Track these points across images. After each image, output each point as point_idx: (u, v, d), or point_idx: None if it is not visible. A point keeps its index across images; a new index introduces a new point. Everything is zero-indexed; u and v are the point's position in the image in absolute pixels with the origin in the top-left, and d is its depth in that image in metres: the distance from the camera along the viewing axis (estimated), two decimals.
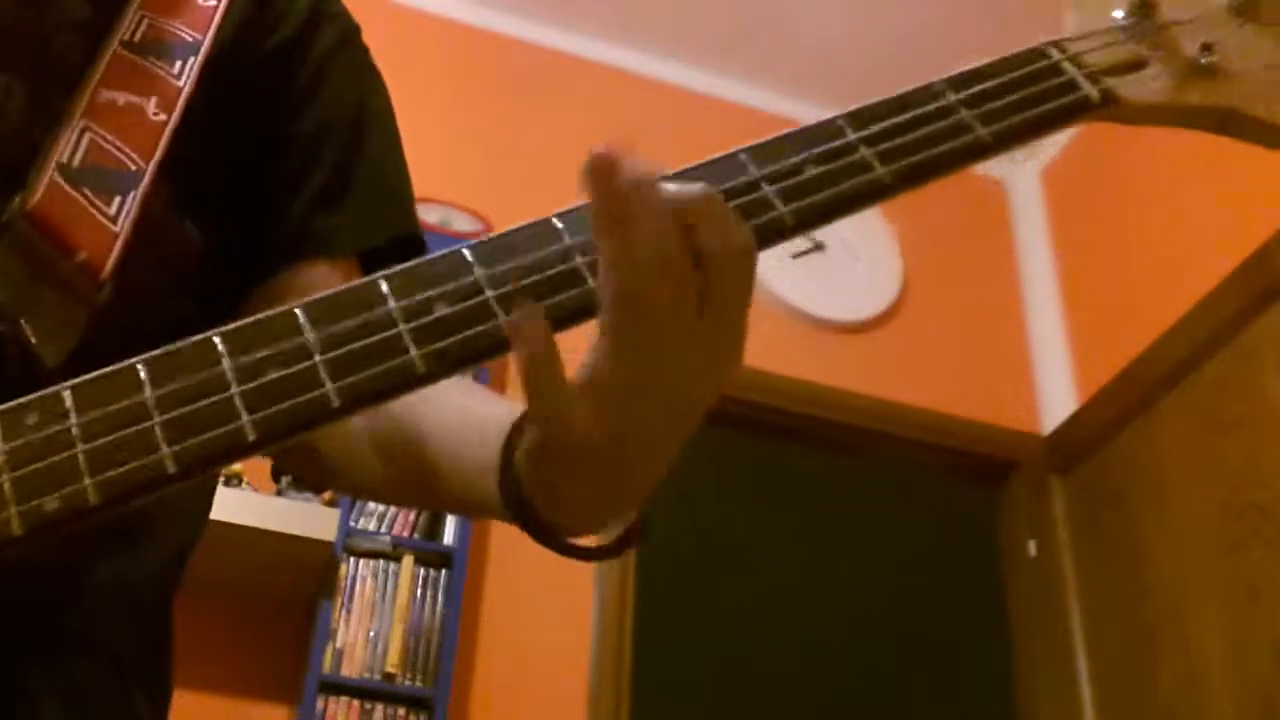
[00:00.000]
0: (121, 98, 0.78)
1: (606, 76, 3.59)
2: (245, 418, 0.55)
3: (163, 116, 0.79)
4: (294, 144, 0.88)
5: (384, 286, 0.58)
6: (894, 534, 3.21)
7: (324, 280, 0.84)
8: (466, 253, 0.59)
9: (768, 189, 0.60)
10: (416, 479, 0.76)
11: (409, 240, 0.91)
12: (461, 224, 3.02)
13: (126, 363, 0.57)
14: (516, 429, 0.64)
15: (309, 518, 2.47)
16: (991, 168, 3.71)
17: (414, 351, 0.56)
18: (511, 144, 3.37)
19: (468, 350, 0.57)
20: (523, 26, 3.57)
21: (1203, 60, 0.65)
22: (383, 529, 2.63)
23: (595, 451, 0.58)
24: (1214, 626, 2.71)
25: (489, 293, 0.57)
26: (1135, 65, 0.66)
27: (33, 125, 0.77)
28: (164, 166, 0.78)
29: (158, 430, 0.55)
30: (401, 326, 0.57)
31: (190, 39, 0.83)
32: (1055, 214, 3.62)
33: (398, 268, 0.59)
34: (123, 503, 0.54)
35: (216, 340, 0.57)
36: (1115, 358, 3.13)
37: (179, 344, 0.58)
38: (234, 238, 0.84)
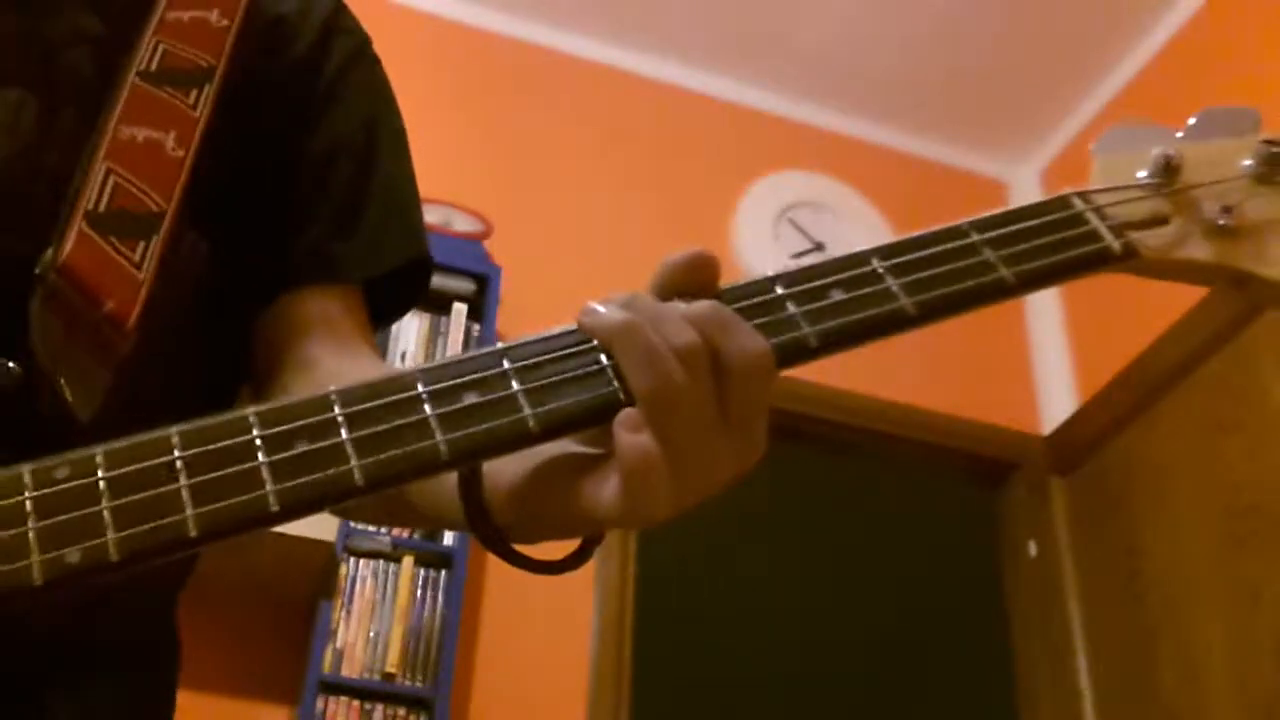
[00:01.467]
0: (141, 134, 0.78)
1: (607, 77, 3.59)
2: (270, 488, 0.56)
3: (181, 152, 0.79)
4: (306, 163, 0.88)
5: (417, 374, 0.60)
6: (894, 534, 3.22)
7: (327, 305, 0.85)
8: (499, 347, 0.61)
9: (794, 309, 0.61)
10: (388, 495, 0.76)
11: (415, 264, 0.91)
12: (462, 224, 3.02)
13: (162, 431, 0.58)
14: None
15: (309, 518, 2.46)
16: (992, 169, 3.72)
17: (439, 436, 0.58)
18: (512, 144, 3.37)
19: (491, 440, 0.58)
20: (523, 27, 3.57)
21: (1220, 222, 0.68)
22: (382, 530, 2.63)
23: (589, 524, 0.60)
24: (1214, 627, 2.71)
25: (516, 385, 0.59)
26: (1157, 221, 0.68)
27: (45, 142, 0.77)
28: (183, 197, 0.78)
29: (184, 494, 0.56)
30: (429, 411, 0.58)
31: (205, 64, 0.83)
32: None
33: (431, 363, 0.60)
34: (143, 561, 0.55)
35: (249, 413, 0.59)
36: (1115, 358, 3.13)
37: (213, 418, 0.59)
38: (245, 254, 0.84)
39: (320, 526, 2.47)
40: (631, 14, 3.57)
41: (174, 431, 0.58)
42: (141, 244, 0.75)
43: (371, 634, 2.53)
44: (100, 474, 0.56)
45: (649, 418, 0.56)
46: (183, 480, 0.56)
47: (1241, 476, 2.72)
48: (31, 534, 0.54)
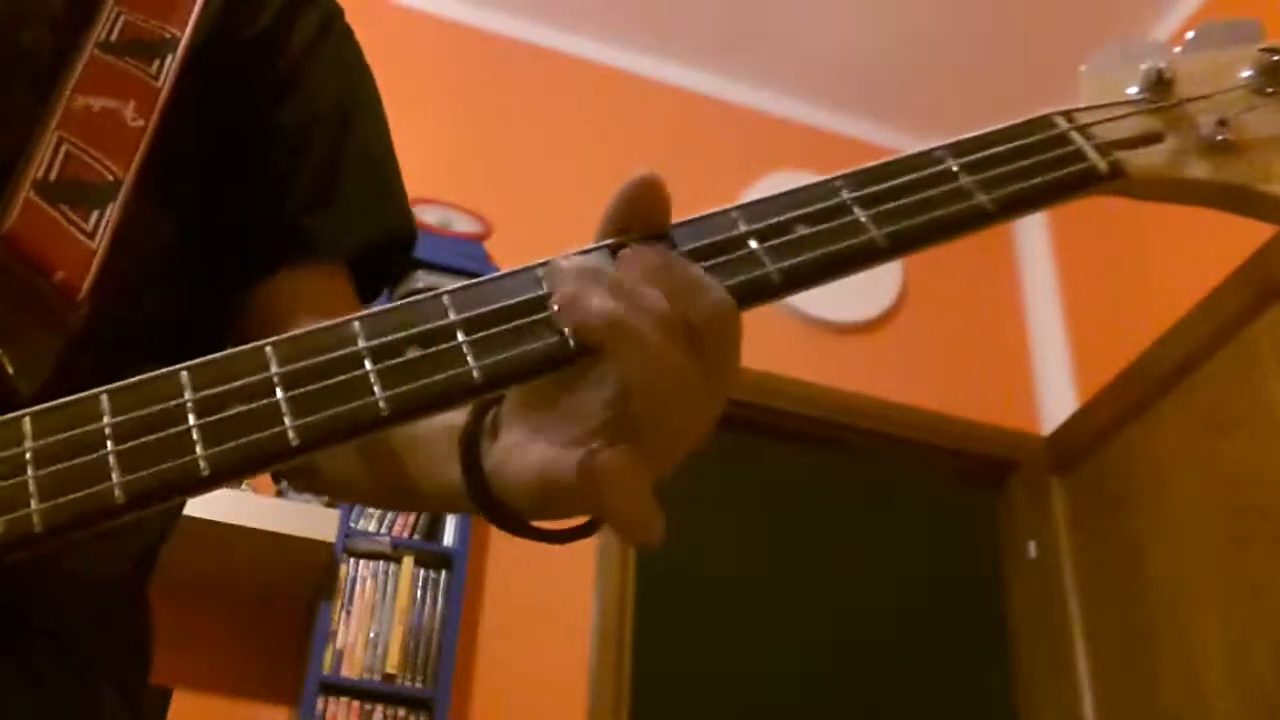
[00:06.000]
0: (98, 103, 0.77)
1: (607, 77, 3.59)
2: (200, 451, 0.54)
3: (141, 122, 0.77)
4: (279, 137, 0.86)
5: (357, 326, 0.57)
6: (894, 534, 3.22)
7: (312, 283, 0.83)
8: (444, 297, 0.58)
9: (756, 246, 0.58)
10: (394, 474, 0.74)
11: (399, 236, 0.89)
12: (461, 225, 3.02)
13: (90, 392, 0.56)
14: (480, 413, 0.63)
15: (309, 518, 2.47)
16: None
17: (379, 393, 0.55)
18: (511, 144, 3.36)
19: (435, 393, 0.56)
20: (523, 27, 3.57)
21: (1218, 137, 0.64)
22: (382, 530, 2.63)
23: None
24: (1214, 627, 2.71)
25: (461, 336, 0.56)
26: (1147, 139, 0.65)
27: None
28: (144, 168, 0.76)
29: (110, 460, 0.54)
30: (369, 366, 0.56)
31: (169, 35, 0.81)
32: (1055, 214, 3.62)
33: (372, 309, 0.58)
34: (68, 532, 0.53)
35: (182, 372, 0.56)
36: (1115, 358, 3.13)
37: (144, 376, 0.56)
38: (219, 234, 0.82)
39: (320, 527, 2.47)
40: (631, 14, 3.57)
41: (104, 394, 0.56)
42: (95, 213, 0.73)
43: (371, 635, 2.53)
44: (28, 442, 0.54)
45: (648, 408, 0.55)
46: (110, 446, 0.54)
47: (1241, 476, 2.72)
48: None
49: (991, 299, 3.57)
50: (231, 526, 2.36)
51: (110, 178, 0.75)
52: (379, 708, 2.46)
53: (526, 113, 3.45)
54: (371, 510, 2.63)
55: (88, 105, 0.76)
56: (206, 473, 0.54)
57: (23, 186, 0.72)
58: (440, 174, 3.05)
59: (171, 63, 0.80)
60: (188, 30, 0.82)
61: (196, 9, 0.83)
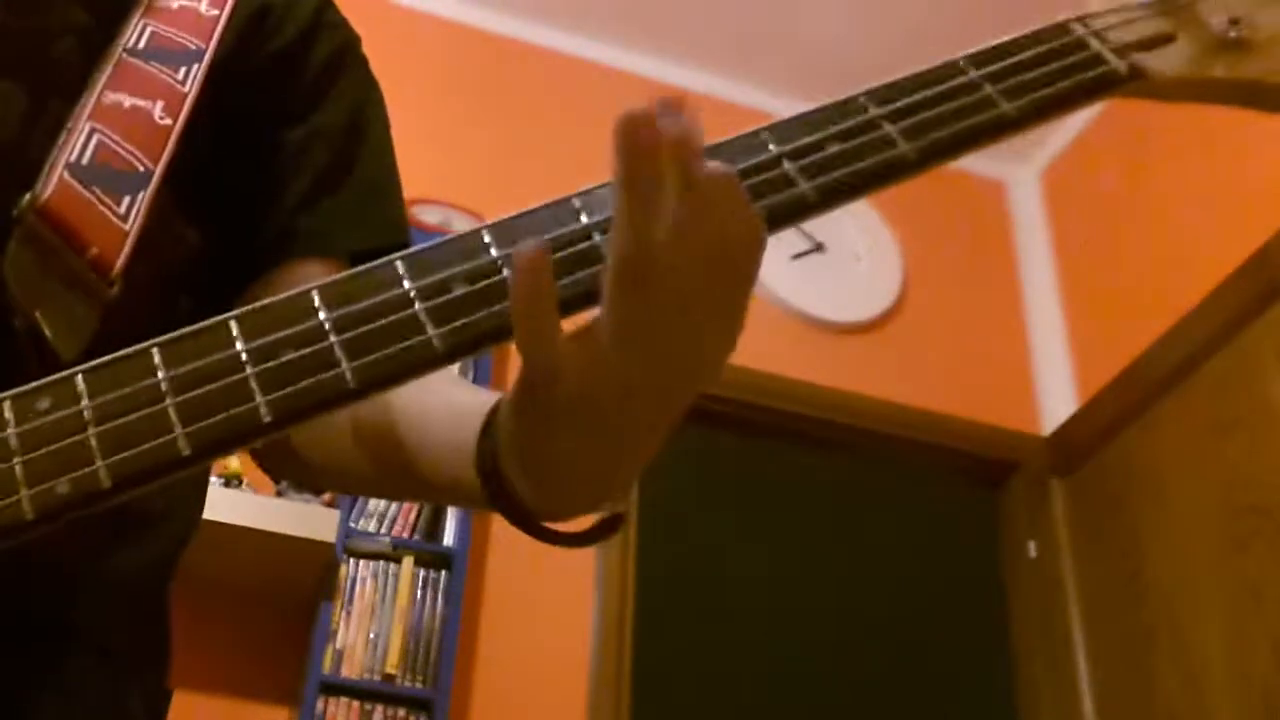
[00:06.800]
0: (128, 100, 0.79)
1: (608, 78, 3.59)
2: (260, 399, 0.54)
3: (168, 121, 0.79)
4: (289, 150, 0.87)
5: (400, 267, 0.57)
6: (894, 534, 3.21)
7: (315, 277, 0.84)
8: (484, 233, 0.58)
9: (789, 165, 0.59)
10: (400, 467, 0.75)
11: (391, 247, 0.90)
12: (461, 224, 3.02)
13: (141, 346, 0.56)
14: (496, 409, 0.63)
15: (309, 519, 2.47)
16: (991, 169, 3.72)
17: (431, 330, 0.55)
18: (512, 145, 3.36)
19: (486, 328, 0.56)
20: (523, 28, 3.57)
21: (1230, 34, 0.65)
22: (382, 530, 2.63)
23: (579, 417, 0.57)
24: (1214, 627, 2.71)
25: (507, 271, 0.56)
26: (1162, 40, 0.66)
27: (31, 131, 0.77)
28: (168, 170, 0.78)
29: (171, 413, 0.54)
30: (419, 306, 0.56)
31: (194, 46, 0.84)
32: (1055, 214, 3.62)
33: (412, 250, 0.58)
34: (135, 486, 0.54)
35: (232, 323, 0.57)
36: (1115, 358, 3.13)
37: (194, 327, 0.57)
38: (229, 241, 0.84)
39: (320, 527, 2.47)
40: (633, 15, 3.57)
41: (154, 347, 0.56)
42: (127, 199, 0.75)
43: (371, 635, 2.53)
44: (84, 402, 0.55)
45: (630, 287, 0.54)
46: (169, 399, 0.54)
47: (1241, 476, 2.72)
48: (19, 469, 0.53)
49: (991, 299, 3.57)
50: (231, 526, 2.36)
51: (141, 168, 0.76)
52: (379, 708, 2.46)
53: (526, 113, 3.45)
54: (371, 510, 2.63)
55: (118, 102, 0.79)
56: (269, 419, 0.54)
57: (57, 167, 0.74)
58: (440, 174, 3.05)
59: (197, 70, 0.83)
60: (212, 43, 0.85)
61: (221, 23, 0.86)
